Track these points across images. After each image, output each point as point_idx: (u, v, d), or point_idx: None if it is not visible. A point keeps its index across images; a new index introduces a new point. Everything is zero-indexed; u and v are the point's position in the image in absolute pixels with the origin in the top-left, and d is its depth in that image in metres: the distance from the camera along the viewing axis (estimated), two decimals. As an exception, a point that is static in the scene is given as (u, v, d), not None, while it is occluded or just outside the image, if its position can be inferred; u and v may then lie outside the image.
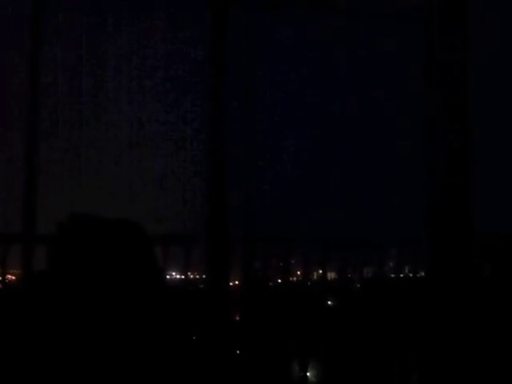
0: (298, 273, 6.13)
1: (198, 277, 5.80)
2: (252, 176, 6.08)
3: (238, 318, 5.74)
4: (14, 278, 5.58)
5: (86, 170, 5.88)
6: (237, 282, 5.77)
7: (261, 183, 6.16)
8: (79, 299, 4.22)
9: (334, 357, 5.72)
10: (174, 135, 6.11)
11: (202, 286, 5.73)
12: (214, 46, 6.03)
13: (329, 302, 6.05)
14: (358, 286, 6.18)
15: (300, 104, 6.65)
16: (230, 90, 6.15)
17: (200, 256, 5.75)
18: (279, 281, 5.97)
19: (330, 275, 6.19)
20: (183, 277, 5.71)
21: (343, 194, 6.50)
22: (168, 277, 5.68)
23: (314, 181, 6.51)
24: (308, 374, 5.58)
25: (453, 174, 6.40)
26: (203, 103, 6.14)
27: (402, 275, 6.39)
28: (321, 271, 6.10)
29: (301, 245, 6.15)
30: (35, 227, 5.48)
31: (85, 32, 6.05)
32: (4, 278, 5.52)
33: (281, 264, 6.00)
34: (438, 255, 6.28)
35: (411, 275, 6.39)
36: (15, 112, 5.91)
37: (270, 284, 5.92)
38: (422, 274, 6.42)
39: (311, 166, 6.60)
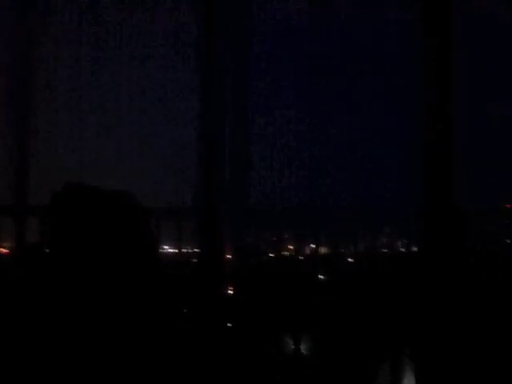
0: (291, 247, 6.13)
1: (190, 251, 5.79)
2: (244, 148, 6.07)
3: (230, 292, 5.71)
4: (6, 251, 5.54)
5: (81, 142, 5.87)
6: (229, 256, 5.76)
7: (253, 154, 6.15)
8: (74, 271, 4.19)
9: (326, 330, 5.71)
10: (167, 109, 6.11)
11: (195, 260, 5.72)
12: (207, 15, 6.04)
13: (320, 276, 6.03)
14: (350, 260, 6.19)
15: (293, 76, 6.64)
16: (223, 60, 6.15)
17: (193, 230, 5.75)
18: (271, 255, 5.97)
19: (323, 249, 6.19)
20: (176, 251, 5.70)
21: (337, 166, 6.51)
22: (161, 250, 5.65)
23: (307, 153, 6.51)
24: (301, 347, 5.56)
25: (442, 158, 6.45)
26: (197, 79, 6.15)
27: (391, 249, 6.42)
28: (313, 246, 6.10)
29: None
30: (27, 198, 5.46)
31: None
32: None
33: (274, 238, 5.99)
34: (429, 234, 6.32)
35: (403, 250, 6.41)
36: (6, 87, 5.93)
37: (263, 258, 5.91)
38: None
39: (304, 137, 6.61)
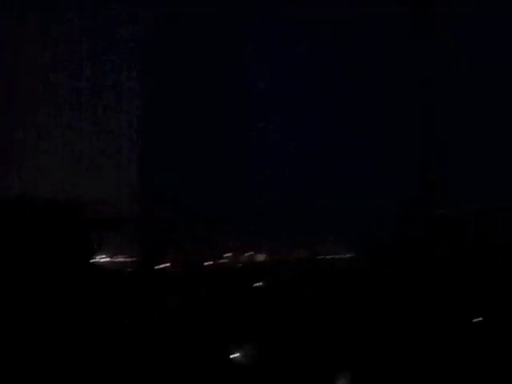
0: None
1: (129, 260, 5.95)
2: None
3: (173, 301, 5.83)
4: None
5: (25, 151, 6.07)
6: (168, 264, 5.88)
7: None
8: (10, 282, 4.44)
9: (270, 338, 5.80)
10: (109, 121, 6.26)
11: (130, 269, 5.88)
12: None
13: (259, 284, 6.09)
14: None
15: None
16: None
17: (131, 239, 5.91)
18: (210, 263, 6.06)
19: (261, 257, 6.25)
20: (115, 260, 5.86)
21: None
22: (101, 260, 5.84)
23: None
24: (239, 354, 5.66)
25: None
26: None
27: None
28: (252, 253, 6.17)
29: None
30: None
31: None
32: None
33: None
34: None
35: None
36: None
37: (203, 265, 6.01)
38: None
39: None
